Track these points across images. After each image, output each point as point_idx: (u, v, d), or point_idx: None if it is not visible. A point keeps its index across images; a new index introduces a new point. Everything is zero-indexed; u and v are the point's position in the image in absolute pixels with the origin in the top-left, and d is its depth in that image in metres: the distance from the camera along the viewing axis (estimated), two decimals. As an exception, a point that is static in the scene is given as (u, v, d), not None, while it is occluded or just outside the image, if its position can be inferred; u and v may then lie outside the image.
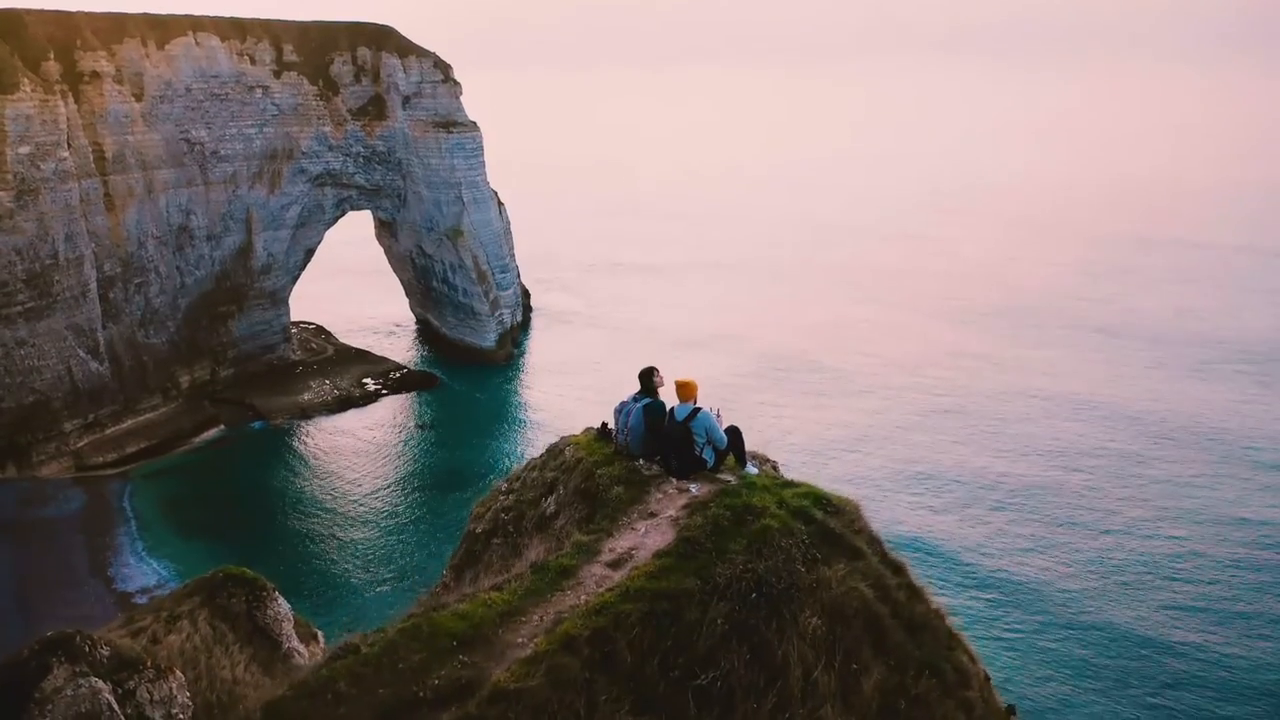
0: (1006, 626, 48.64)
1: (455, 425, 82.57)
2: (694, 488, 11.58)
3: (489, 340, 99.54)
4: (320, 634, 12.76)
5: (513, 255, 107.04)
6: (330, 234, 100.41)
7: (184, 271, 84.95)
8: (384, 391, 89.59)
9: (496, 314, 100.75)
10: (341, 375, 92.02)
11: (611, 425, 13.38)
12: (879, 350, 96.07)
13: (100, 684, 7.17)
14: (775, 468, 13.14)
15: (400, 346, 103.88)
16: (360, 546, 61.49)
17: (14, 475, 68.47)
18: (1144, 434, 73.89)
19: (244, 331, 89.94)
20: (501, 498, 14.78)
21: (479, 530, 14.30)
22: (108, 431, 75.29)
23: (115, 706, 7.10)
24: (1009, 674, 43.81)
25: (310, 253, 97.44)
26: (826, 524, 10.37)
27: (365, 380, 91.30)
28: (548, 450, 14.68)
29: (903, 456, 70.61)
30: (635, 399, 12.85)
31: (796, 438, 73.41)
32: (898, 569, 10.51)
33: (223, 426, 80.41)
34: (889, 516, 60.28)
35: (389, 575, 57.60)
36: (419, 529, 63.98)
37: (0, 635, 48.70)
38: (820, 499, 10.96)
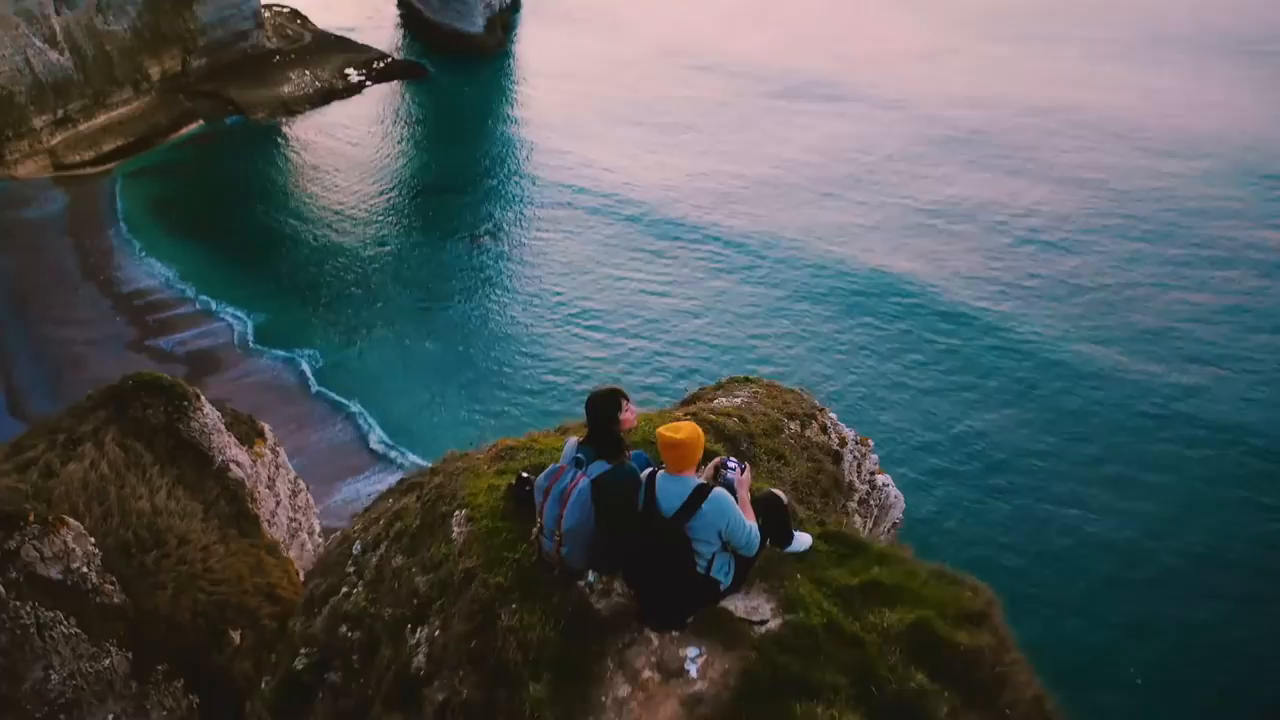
0: (1016, 381, 45.98)
1: (445, 121, 78.52)
2: (693, 661, 6.06)
3: (477, 25, 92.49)
4: (267, 427, 11.30)
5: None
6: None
7: (136, -54, 76.96)
8: (368, 82, 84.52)
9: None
10: (322, 65, 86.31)
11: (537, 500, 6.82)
12: (902, 54, 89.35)
13: (-31, 553, 5.95)
14: (825, 429, 8.83)
15: (382, 33, 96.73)
16: (353, 248, 60.42)
17: (-10, 175, 66.16)
18: (1198, 163, 66.22)
19: (211, 18, 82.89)
20: (349, 578, 8.67)
21: (301, 664, 8.41)
22: (81, 128, 71.73)
23: (-8, 577, 5.92)
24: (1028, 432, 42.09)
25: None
26: None
27: (347, 70, 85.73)
28: (424, 511, 8.46)
29: (919, 175, 65.63)
30: (577, 460, 6.55)
31: (805, 154, 69.69)
32: None
33: (201, 122, 76.44)
34: (906, 266, 56.05)
35: (380, 280, 57.01)
36: (410, 231, 62.69)
37: (-1, 343, 48.93)
38: (941, 643, 5.99)
